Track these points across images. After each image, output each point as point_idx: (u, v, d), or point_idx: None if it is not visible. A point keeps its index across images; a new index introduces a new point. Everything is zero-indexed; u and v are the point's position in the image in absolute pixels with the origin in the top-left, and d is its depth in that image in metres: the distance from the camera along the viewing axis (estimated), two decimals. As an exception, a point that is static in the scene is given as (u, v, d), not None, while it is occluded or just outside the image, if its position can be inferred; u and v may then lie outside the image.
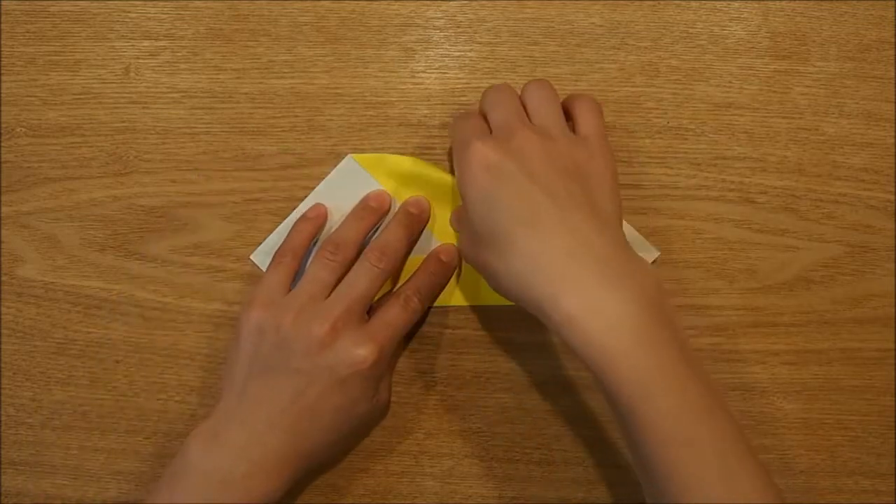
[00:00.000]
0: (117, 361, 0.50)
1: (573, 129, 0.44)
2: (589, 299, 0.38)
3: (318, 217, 0.48)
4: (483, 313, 0.50)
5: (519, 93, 0.45)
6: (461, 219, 0.46)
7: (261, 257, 0.49)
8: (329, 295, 0.45)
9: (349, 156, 0.49)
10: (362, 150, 0.50)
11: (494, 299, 0.50)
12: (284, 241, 0.47)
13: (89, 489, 0.50)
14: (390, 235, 0.47)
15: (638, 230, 0.49)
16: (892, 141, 0.50)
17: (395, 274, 0.48)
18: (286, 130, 0.50)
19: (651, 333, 0.38)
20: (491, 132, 0.43)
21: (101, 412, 0.50)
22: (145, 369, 0.50)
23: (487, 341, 0.50)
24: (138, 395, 0.50)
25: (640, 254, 0.48)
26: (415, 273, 0.48)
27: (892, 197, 0.50)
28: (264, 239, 0.49)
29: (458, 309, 0.50)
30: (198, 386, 0.50)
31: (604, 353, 0.38)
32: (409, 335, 0.50)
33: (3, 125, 0.50)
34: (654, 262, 0.49)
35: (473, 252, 0.43)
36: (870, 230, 0.50)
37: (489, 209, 0.41)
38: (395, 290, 0.48)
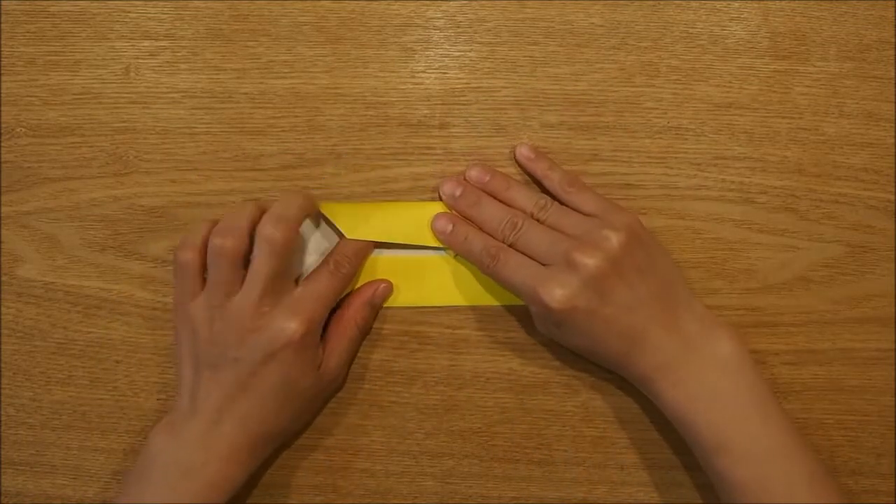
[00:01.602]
0: (117, 361, 0.50)
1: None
2: (672, 375, 0.44)
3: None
4: (483, 313, 0.50)
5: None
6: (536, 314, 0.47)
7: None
8: (242, 277, 0.45)
9: None
10: (362, 150, 0.50)
11: (494, 299, 0.50)
12: (181, 243, 0.46)
13: (89, 489, 0.50)
14: (280, 204, 0.46)
15: (638, 230, 0.49)
16: (892, 141, 0.50)
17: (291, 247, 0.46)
18: (286, 130, 0.50)
19: (727, 395, 0.44)
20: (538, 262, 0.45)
21: (101, 412, 0.50)
22: (145, 369, 0.50)
23: (487, 341, 0.50)
24: (138, 395, 0.50)
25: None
26: (342, 240, 0.48)
27: (892, 197, 0.50)
28: (264, 239, 0.49)
29: (457, 309, 0.50)
30: (198, 386, 0.50)
31: (683, 411, 0.44)
32: (416, 336, 0.50)
33: (3, 125, 0.50)
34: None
35: (550, 331, 0.47)
36: (870, 230, 0.50)
37: (576, 338, 0.46)
38: (324, 259, 0.47)
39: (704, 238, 0.50)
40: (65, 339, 0.50)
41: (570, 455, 0.49)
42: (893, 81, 0.50)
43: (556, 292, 0.44)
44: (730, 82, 0.50)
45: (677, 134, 0.50)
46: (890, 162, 0.50)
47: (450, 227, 0.48)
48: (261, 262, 0.45)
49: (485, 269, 0.47)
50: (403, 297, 0.50)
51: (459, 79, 0.50)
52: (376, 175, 0.50)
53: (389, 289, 0.49)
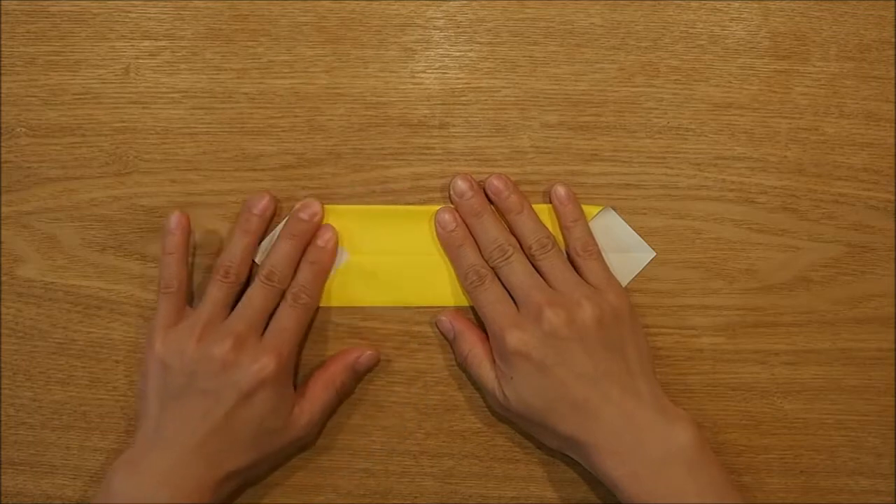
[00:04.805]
0: (117, 361, 0.50)
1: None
2: (627, 466, 0.43)
3: (181, 230, 0.47)
4: (483, 313, 0.50)
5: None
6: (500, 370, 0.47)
7: (261, 256, 0.49)
8: (227, 315, 0.46)
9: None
10: (362, 150, 0.50)
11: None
12: (161, 274, 0.47)
13: (89, 489, 0.50)
14: (277, 252, 0.47)
15: (638, 230, 0.49)
16: (892, 141, 0.50)
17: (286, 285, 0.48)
18: (286, 130, 0.50)
19: (684, 492, 0.42)
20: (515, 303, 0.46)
21: (101, 412, 0.50)
22: (145, 369, 0.50)
23: (487, 341, 0.50)
24: (138, 395, 0.50)
25: (637, 254, 0.49)
26: (297, 269, 0.48)
27: (892, 197, 0.50)
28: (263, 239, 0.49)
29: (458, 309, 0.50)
30: (198, 386, 0.50)
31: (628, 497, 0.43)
32: (416, 336, 0.50)
33: (3, 125, 0.50)
34: (650, 262, 0.49)
35: (505, 402, 0.46)
36: (870, 230, 0.50)
37: (530, 397, 0.45)
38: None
39: (704, 238, 0.50)
40: (65, 339, 0.50)
41: (570, 455, 0.49)
42: (893, 81, 0.50)
43: (517, 334, 0.44)
44: (730, 82, 0.50)
45: (677, 134, 0.50)
46: (890, 162, 0.50)
47: (452, 227, 0.48)
48: (252, 298, 0.46)
49: (466, 286, 0.48)
50: (403, 297, 0.50)
51: (459, 79, 0.50)
52: (376, 175, 0.50)
53: (374, 357, 0.49)
